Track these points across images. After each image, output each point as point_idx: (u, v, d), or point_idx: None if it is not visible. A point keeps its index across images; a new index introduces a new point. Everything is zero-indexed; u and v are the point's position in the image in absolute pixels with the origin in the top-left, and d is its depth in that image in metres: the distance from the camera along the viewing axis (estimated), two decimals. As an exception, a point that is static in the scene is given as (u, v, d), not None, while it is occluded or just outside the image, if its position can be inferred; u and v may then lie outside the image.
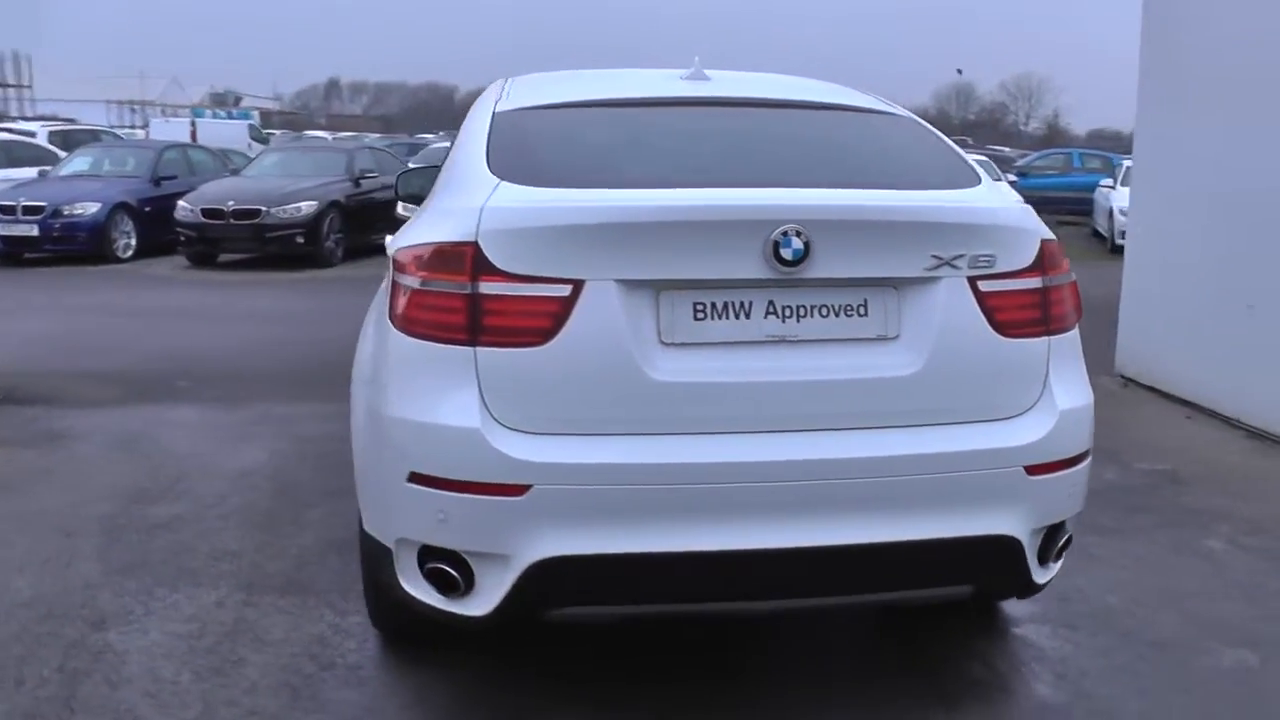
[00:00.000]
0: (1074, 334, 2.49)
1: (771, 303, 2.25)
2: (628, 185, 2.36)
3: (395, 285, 2.36)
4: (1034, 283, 2.38)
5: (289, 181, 12.69)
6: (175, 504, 4.02)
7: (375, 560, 2.48)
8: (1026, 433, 2.34)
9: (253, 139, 28.18)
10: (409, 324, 2.27)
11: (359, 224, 12.59)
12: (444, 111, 62.83)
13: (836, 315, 2.28)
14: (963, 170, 2.63)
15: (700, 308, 2.23)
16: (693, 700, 2.65)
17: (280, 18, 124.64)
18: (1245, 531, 3.86)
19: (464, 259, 2.19)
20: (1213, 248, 5.60)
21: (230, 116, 41.30)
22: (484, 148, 2.55)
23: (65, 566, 3.40)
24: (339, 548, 3.48)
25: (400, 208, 5.29)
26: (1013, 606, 3.11)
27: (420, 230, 2.42)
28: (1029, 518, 2.34)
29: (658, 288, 2.20)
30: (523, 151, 2.57)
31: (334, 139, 27.42)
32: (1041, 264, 2.39)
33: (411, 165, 5.31)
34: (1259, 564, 3.57)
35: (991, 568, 2.38)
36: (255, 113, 48.13)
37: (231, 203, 11.90)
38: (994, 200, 2.50)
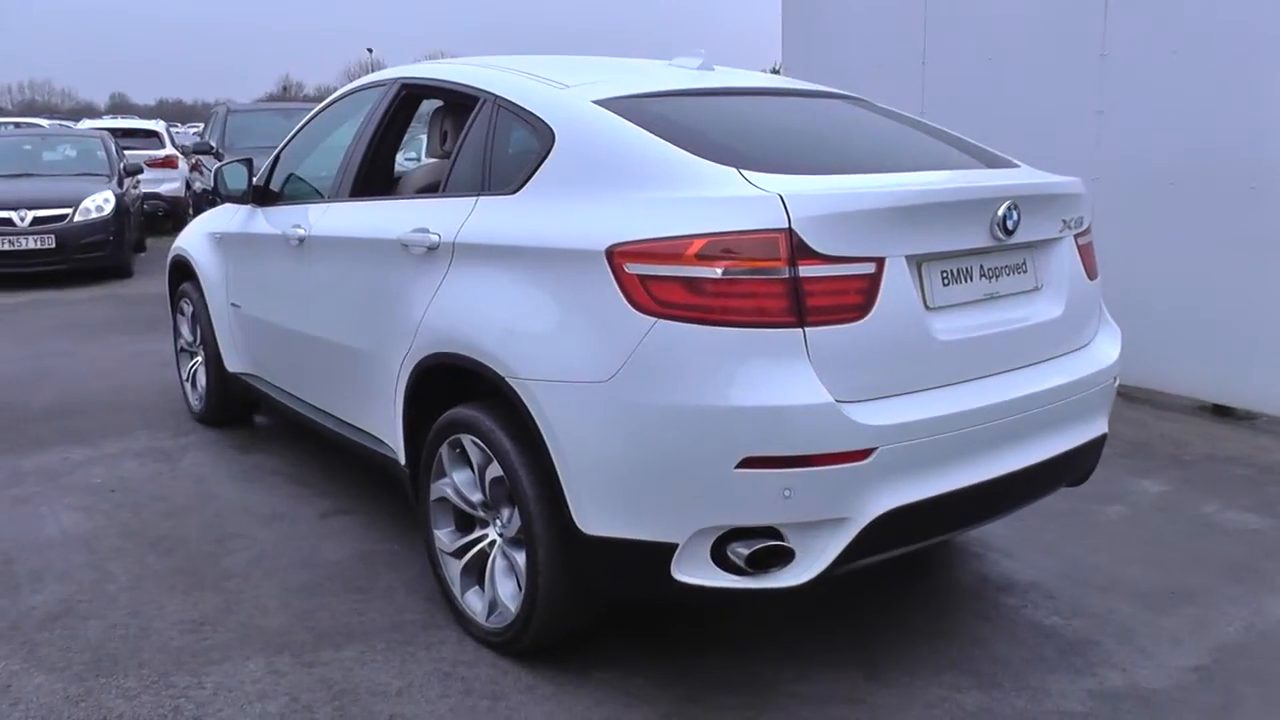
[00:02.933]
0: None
1: (982, 266, 2.63)
2: (847, 171, 2.58)
3: (647, 280, 2.34)
4: (1090, 237, 3.04)
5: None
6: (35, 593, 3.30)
7: (620, 564, 2.46)
8: (1112, 351, 2.99)
9: None
10: (712, 314, 2.28)
11: None
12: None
13: (1011, 274, 2.72)
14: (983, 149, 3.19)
15: (945, 275, 2.54)
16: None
17: None
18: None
19: (778, 245, 2.26)
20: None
21: None
22: (653, 137, 2.60)
23: None
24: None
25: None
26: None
27: (657, 222, 2.38)
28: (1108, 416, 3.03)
29: (919, 261, 2.47)
30: (715, 139, 2.65)
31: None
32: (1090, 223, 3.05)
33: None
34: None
35: (1094, 458, 3.00)
36: None
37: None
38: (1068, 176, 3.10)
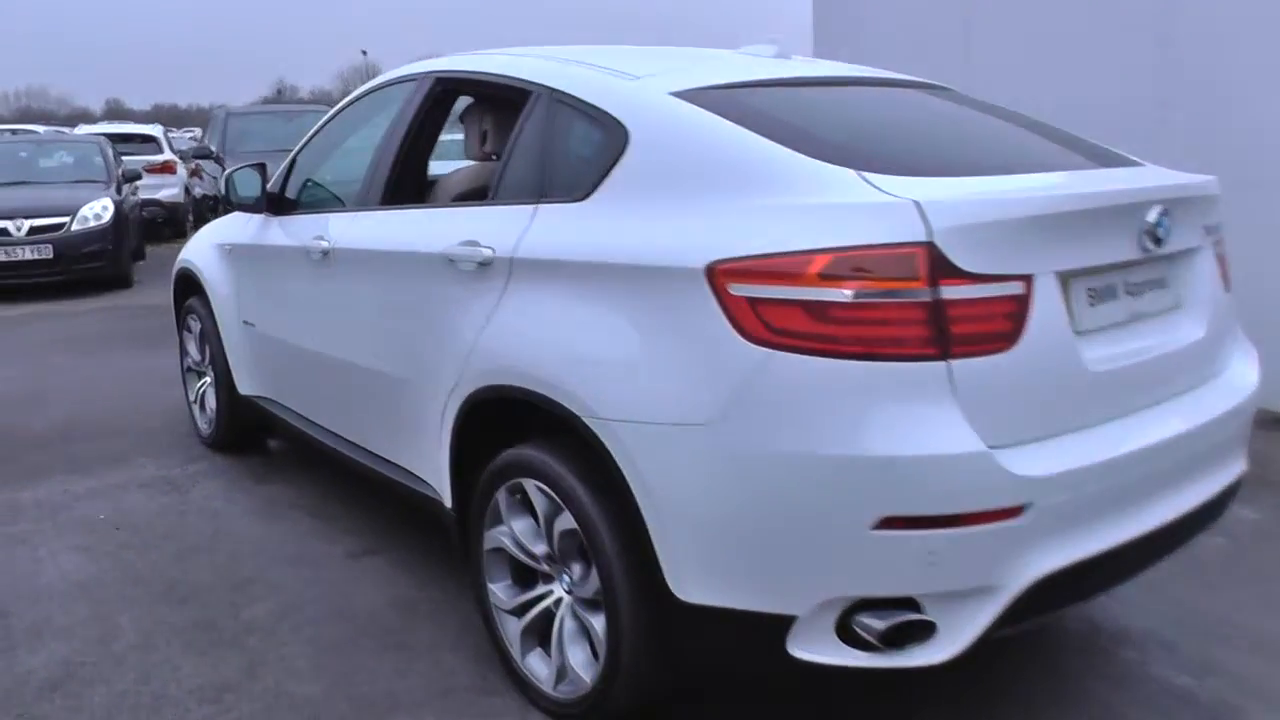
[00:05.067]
0: None
1: (1125, 282, 2.27)
2: (979, 173, 2.22)
3: (758, 303, 1.99)
4: (1224, 244, 2.68)
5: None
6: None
7: (724, 637, 2.10)
8: (1251, 375, 2.61)
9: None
10: (839, 344, 1.92)
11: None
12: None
13: (1152, 290, 2.37)
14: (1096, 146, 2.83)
15: (1092, 294, 2.18)
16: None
17: None
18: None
19: (916, 262, 1.91)
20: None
21: None
22: (750, 133, 2.25)
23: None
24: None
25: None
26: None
27: (766, 234, 2.03)
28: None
29: (1067, 277, 2.11)
30: (823, 136, 2.30)
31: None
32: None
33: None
34: None
35: (1232, 497, 2.62)
36: None
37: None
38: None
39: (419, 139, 3.31)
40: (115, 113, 72.99)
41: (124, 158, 12.24)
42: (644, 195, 2.33)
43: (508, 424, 2.62)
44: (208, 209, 11.16)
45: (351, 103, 3.81)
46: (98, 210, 9.58)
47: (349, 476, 3.72)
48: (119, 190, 10.31)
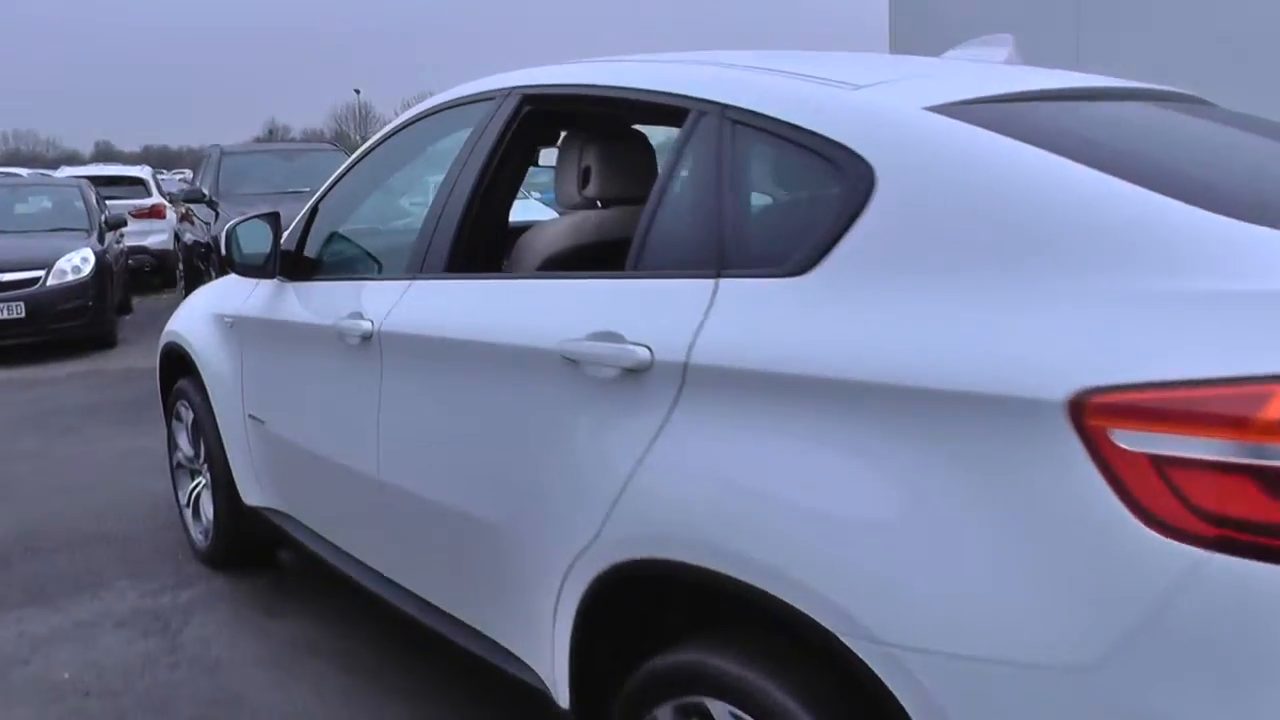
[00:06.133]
0: None
1: None
2: None
3: (1173, 467, 1.15)
4: None
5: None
6: None
7: None
8: None
9: None
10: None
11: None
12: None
13: None
14: None
15: None
16: None
17: None
18: None
19: None
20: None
21: None
22: (1089, 170, 1.40)
23: None
24: None
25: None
26: None
27: (1174, 345, 1.19)
28: None
29: None
30: (1189, 175, 1.48)
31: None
32: None
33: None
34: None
35: None
36: None
37: None
38: None
39: (498, 181, 2.41)
40: (105, 155, 72.37)
41: (109, 201, 11.35)
42: (911, 268, 1.46)
43: (669, 608, 1.73)
44: (199, 257, 10.22)
45: (395, 132, 2.89)
46: (76, 262, 8.64)
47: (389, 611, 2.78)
48: (101, 238, 9.38)
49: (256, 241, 3.08)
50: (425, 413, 2.30)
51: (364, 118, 76.95)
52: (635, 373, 1.72)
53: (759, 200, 1.78)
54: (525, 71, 2.45)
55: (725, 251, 1.72)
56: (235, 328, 3.37)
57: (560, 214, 2.74)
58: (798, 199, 1.71)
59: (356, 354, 2.54)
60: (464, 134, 2.50)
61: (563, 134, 2.62)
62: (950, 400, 1.32)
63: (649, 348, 1.71)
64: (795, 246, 1.63)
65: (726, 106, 1.82)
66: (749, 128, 1.77)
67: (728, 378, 1.60)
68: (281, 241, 3.06)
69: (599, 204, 2.54)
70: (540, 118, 2.41)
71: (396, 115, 3.06)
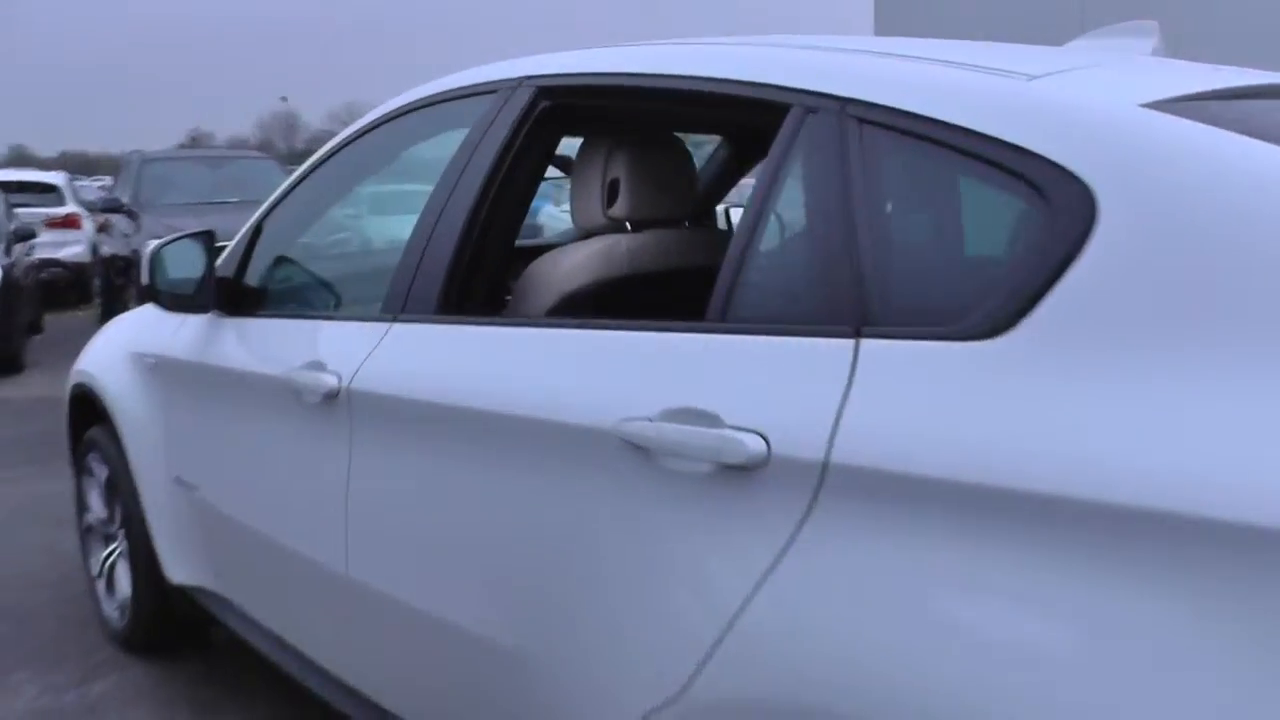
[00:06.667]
0: None
1: None
2: None
3: None
4: None
5: None
6: None
7: None
8: None
9: None
10: None
11: None
12: None
13: None
14: None
15: None
16: None
17: None
18: None
19: None
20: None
21: None
22: None
23: None
24: None
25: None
26: None
27: None
28: None
29: None
30: None
31: None
32: None
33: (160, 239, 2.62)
34: None
35: None
36: None
37: None
38: None
39: (505, 198, 1.87)
40: (19, 159, 69.54)
41: (18, 210, 10.48)
42: (1154, 335, 1.02)
43: None
44: (118, 271, 9.44)
45: (363, 133, 2.31)
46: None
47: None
48: (8, 251, 8.57)
49: (186, 265, 2.50)
50: (413, 500, 1.76)
51: (291, 126, 75.27)
52: (743, 470, 1.22)
53: (907, 229, 1.29)
54: (538, 58, 1.92)
55: (866, 300, 1.22)
56: (159, 371, 2.78)
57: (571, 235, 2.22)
58: (974, 231, 1.23)
59: (317, 416, 1.99)
60: (457, 137, 1.97)
61: (581, 140, 2.10)
62: (1225, 533, 0.87)
63: (764, 436, 1.20)
64: (976, 297, 1.14)
65: (848, 101, 1.33)
66: (885, 130, 1.28)
67: (886, 484, 1.11)
68: (217, 266, 2.49)
69: (627, 226, 2.03)
70: (559, 117, 1.88)
71: (325, 124, 2.49)
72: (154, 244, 2.57)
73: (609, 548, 1.39)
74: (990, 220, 1.24)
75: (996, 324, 1.11)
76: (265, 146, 59.07)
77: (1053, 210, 1.12)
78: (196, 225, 2.82)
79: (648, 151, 2.01)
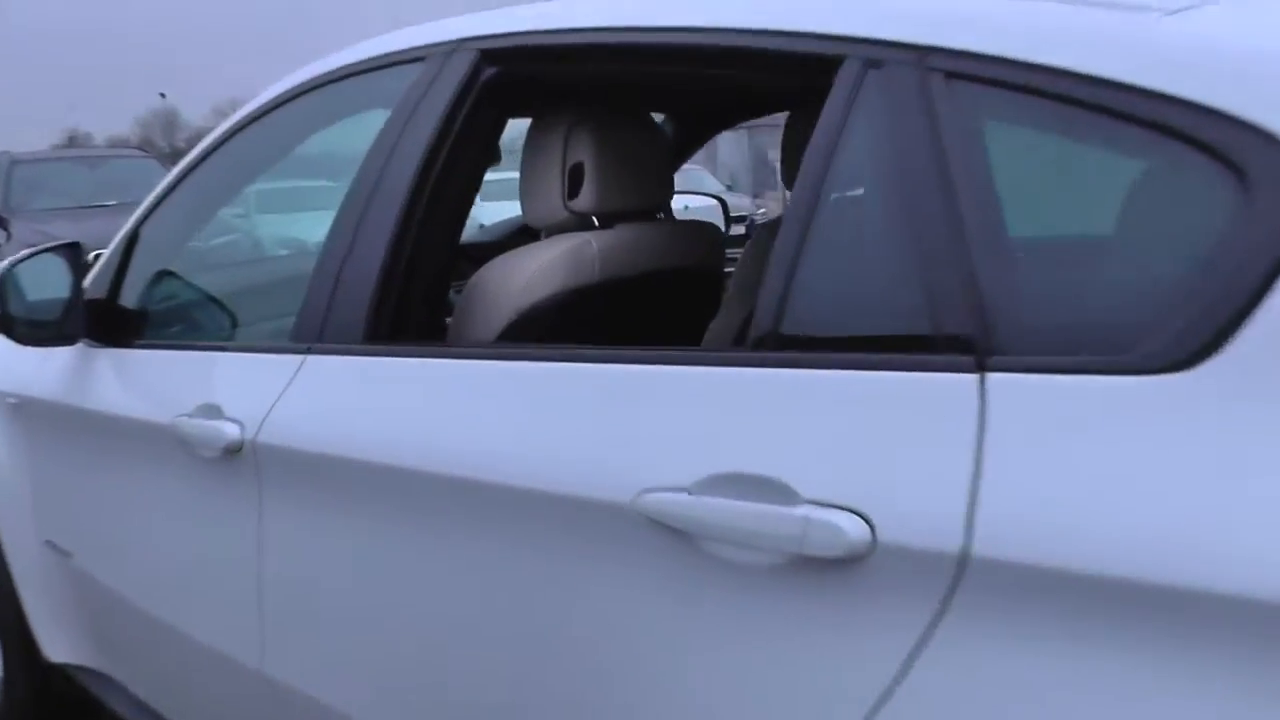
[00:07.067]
0: None
1: None
2: None
3: None
4: None
5: None
6: None
7: None
8: None
9: None
10: None
11: None
12: None
13: None
14: None
15: None
16: None
17: None
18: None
19: None
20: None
21: None
22: None
23: None
24: None
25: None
26: None
27: None
28: None
29: None
30: None
31: None
32: None
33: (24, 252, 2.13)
34: None
35: None
36: None
37: None
38: None
39: (444, 193, 1.48)
40: None
41: None
42: None
43: None
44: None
45: (255, 118, 1.87)
46: None
47: None
48: None
49: (47, 285, 2.05)
50: (348, 585, 1.37)
51: (171, 123, 72.53)
52: (836, 564, 0.87)
53: (1037, 219, 0.95)
54: (479, 16, 1.53)
55: (988, 318, 0.89)
56: (20, 413, 2.31)
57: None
58: (1137, 221, 0.90)
59: (215, 474, 1.58)
60: (377, 118, 1.57)
61: (530, 120, 1.72)
62: None
63: (863, 515, 0.86)
64: (1148, 317, 0.82)
65: (929, 50, 0.99)
66: (995, 88, 0.94)
67: (1043, 583, 0.78)
68: (87, 285, 2.05)
69: (594, 222, 1.66)
70: (508, 88, 1.50)
71: (208, 121, 2.05)
72: (4, 264, 2.11)
73: (627, 664, 1.03)
74: (1160, 207, 0.91)
75: (1183, 353, 0.79)
76: (145, 144, 56.81)
77: (1257, 192, 0.80)
78: (74, 231, 2.35)
79: (616, 128, 1.65)
